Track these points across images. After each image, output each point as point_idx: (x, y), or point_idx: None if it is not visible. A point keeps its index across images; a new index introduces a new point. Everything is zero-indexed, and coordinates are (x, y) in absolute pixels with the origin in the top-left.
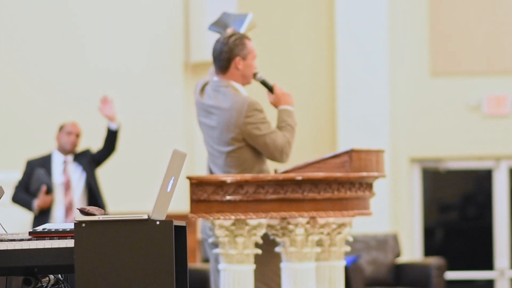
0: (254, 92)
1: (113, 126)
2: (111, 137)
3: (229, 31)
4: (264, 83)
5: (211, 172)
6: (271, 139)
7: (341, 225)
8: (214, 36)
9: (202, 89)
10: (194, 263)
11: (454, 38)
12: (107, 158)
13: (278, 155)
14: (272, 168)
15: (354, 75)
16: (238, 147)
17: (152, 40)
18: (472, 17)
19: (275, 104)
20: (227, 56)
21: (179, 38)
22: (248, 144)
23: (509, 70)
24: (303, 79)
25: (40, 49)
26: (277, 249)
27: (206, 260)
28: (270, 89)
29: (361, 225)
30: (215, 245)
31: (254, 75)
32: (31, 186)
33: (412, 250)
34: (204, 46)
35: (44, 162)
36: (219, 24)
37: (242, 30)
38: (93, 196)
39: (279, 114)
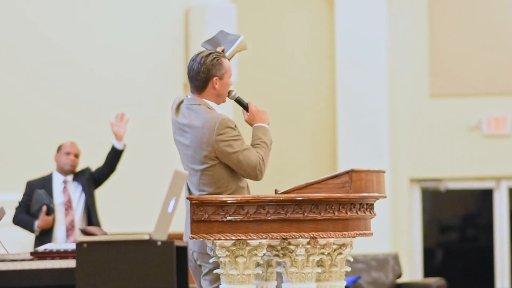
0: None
1: (119, 146)
2: (115, 156)
3: (219, 50)
4: (238, 101)
5: (188, 190)
6: (244, 156)
7: (342, 246)
8: None
9: (178, 107)
10: (195, 284)
11: (453, 59)
12: (107, 178)
13: (252, 173)
14: (272, 188)
15: (354, 96)
16: (211, 165)
17: (153, 62)
18: (472, 38)
19: (250, 122)
20: (204, 76)
21: (180, 59)
22: (221, 162)
23: (509, 91)
24: (303, 100)
25: (38, 71)
26: (278, 269)
27: None
28: (245, 107)
29: (361, 246)
30: (214, 266)
31: (229, 93)
32: (32, 207)
33: (411, 271)
34: None
35: (44, 183)
36: (213, 42)
37: (230, 50)
38: (89, 215)
39: (253, 132)
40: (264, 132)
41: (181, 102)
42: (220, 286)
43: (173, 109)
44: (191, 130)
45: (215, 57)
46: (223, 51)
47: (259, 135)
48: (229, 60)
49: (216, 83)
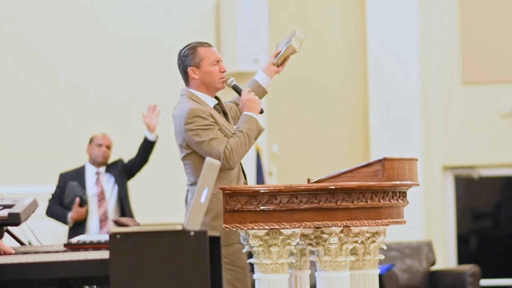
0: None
1: (151, 137)
2: (147, 148)
3: (274, 53)
4: (235, 88)
5: None
6: (210, 146)
7: (375, 234)
8: (245, 49)
9: None
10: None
11: (485, 46)
12: (140, 169)
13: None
14: (305, 177)
15: (386, 84)
16: (187, 154)
17: None
18: (504, 25)
19: (240, 110)
20: (182, 68)
21: None
22: (195, 151)
23: None
24: (335, 89)
25: (70, 65)
26: (311, 258)
27: None
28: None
29: (395, 234)
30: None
31: (225, 81)
32: (65, 199)
33: (445, 258)
34: (236, 57)
35: (77, 175)
36: (283, 42)
37: (280, 55)
38: (122, 206)
39: (239, 120)
40: (247, 121)
41: None
42: (254, 275)
43: None
44: (174, 120)
45: (188, 48)
46: (278, 54)
47: (240, 123)
48: (278, 65)
49: (195, 73)
